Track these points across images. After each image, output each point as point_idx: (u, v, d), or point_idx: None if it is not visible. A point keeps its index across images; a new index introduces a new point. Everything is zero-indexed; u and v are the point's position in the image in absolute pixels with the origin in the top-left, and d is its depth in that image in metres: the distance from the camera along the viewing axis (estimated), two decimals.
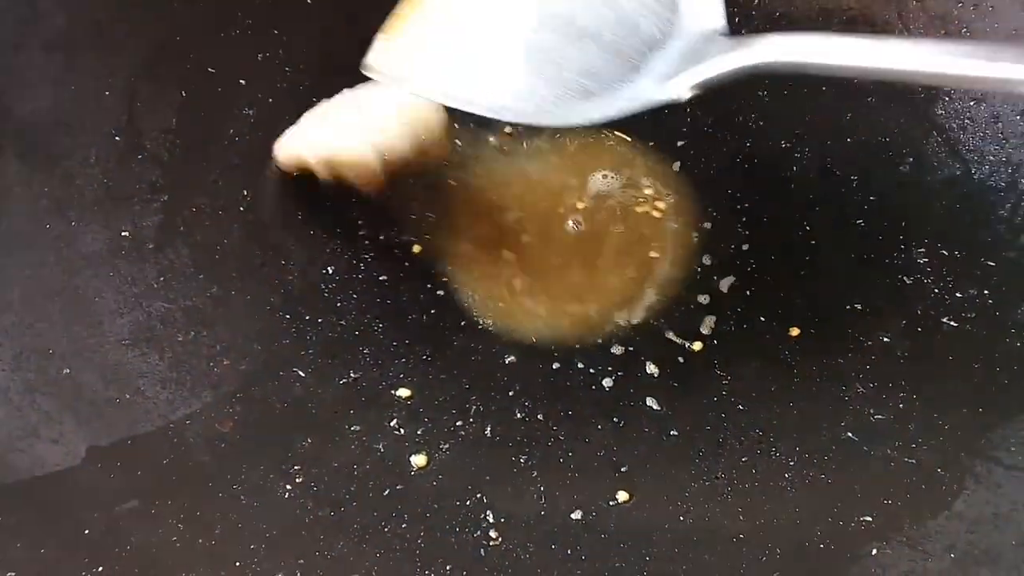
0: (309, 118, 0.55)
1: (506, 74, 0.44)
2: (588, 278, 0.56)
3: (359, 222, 0.55)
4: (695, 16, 0.44)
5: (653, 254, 0.56)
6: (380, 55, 0.46)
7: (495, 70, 0.45)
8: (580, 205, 0.58)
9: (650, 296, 0.55)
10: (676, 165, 0.60)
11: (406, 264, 0.55)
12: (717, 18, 0.44)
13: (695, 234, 0.57)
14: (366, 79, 0.57)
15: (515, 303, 0.54)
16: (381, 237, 0.55)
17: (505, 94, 0.44)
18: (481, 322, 0.53)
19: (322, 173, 0.53)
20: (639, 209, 0.58)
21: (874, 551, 0.42)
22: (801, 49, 0.41)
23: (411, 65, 0.46)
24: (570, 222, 0.57)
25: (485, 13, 0.46)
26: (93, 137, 0.51)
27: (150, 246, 0.49)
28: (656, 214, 0.58)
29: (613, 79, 0.44)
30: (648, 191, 0.59)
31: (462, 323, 0.53)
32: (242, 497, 0.42)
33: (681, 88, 0.42)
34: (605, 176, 0.59)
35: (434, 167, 0.56)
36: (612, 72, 0.44)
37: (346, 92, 0.55)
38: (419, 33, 0.46)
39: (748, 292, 0.54)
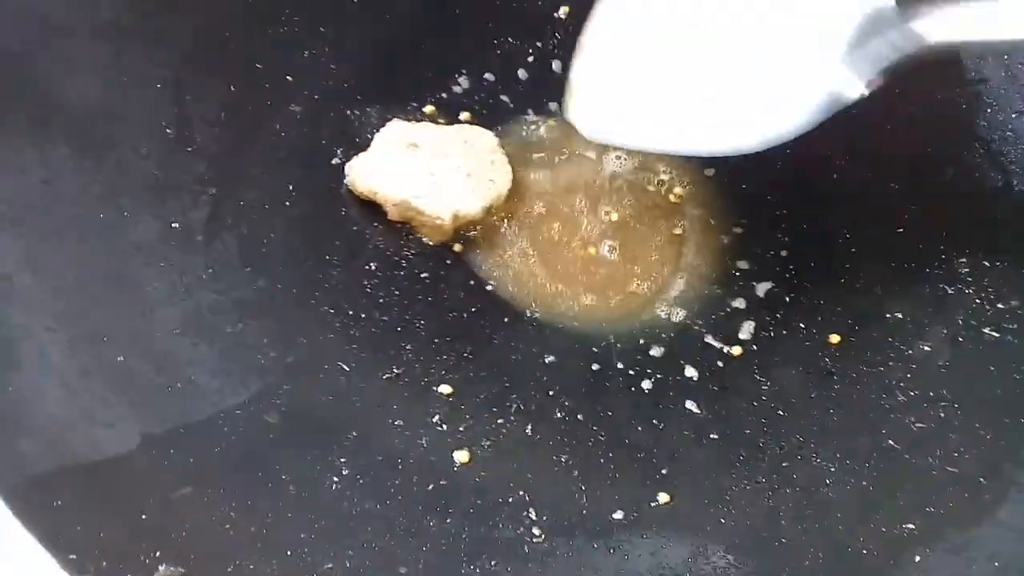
0: (385, 149, 0.56)
1: (706, 109, 0.45)
2: (625, 267, 0.56)
3: (400, 223, 0.56)
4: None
5: (699, 250, 0.57)
6: (583, 116, 0.48)
7: (695, 108, 0.45)
8: (612, 199, 0.58)
9: (687, 289, 0.55)
10: (710, 171, 0.60)
11: (447, 262, 0.55)
12: None
13: (727, 238, 0.57)
14: (409, 78, 0.59)
15: (552, 295, 0.55)
16: (421, 235, 0.56)
17: (708, 128, 0.45)
18: (523, 318, 0.54)
19: (392, 212, 0.55)
20: (672, 204, 0.58)
21: (918, 558, 0.42)
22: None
23: (618, 121, 0.47)
24: (602, 215, 0.58)
25: (671, 50, 0.46)
26: (143, 127, 0.51)
27: (199, 237, 0.49)
28: (696, 215, 0.58)
29: (802, 89, 0.43)
30: (679, 191, 0.59)
31: (503, 321, 0.54)
32: (291, 487, 0.42)
33: (870, 82, 0.42)
34: (636, 173, 0.59)
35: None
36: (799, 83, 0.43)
37: (427, 128, 0.57)
38: (617, 84, 0.47)
39: (788, 298, 0.54)
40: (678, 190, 0.59)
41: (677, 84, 0.46)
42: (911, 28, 0.41)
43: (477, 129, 0.59)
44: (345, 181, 0.55)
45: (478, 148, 0.57)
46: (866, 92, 0.43)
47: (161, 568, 0.35)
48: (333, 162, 0.56)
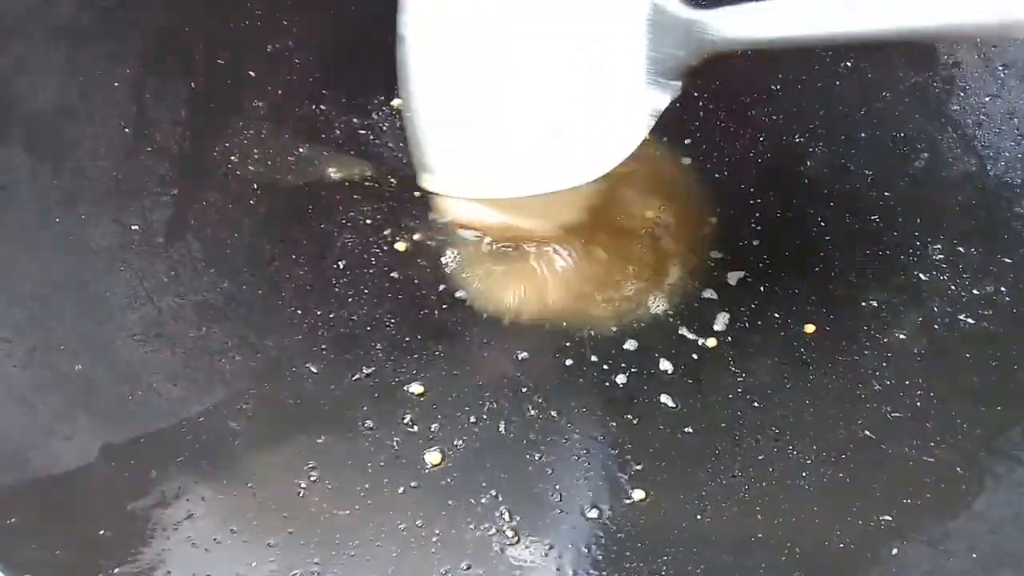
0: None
1: (536, 151, 0.46)
2: (600, 267, 0.55)
3: (368, 221, 0.55)
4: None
5: (663, 244, 0.56)
6: (431, 179, 0.49)
7: (526, 152, 0.46)
8: (587, 197, 0.58)
9: (661, 288, 0.54)
10: (687, 160, 0.59)
11: (417, 260, 0.54)
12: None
13: (704, 229, 0.57)
14: (375, 71, 0.58)
15: (527, 294, 0.54)
16: (390, 232, 0.55)
17: (543, 169, 0.46)
18: (493, 317, 0.53)
19: (499, 237, 0.55)
20: (648, 202, 0.58)
21: (895, 551, 0.42)
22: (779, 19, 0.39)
23: (462, 180, 0.48)
24: (578, 213, 0.57)
25: (494, 101, 0.46)
26: (102, 129, 0.50)
27: (160, 240, 0.48)
28: (664, 208, 0.57)
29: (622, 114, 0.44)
30: (651, 181, 0.58)
31: (473, 319, 0.53)
32: (257, 495, 0.41)
33: (676, 86, 0.43)
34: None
35: None
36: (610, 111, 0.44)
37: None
38: (452, 146, 0.48)
39: (762, 289, 0.54)
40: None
41: (504, 132, 0.47)
42: (698, 30, 0.41)
43: None
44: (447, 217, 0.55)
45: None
46: (677, 94, 0.43)
47: None
48: (299, 155, 0.55)
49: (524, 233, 0.54)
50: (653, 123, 0.43)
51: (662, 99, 0.43)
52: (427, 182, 0.49)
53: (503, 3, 0.46)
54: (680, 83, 0.43)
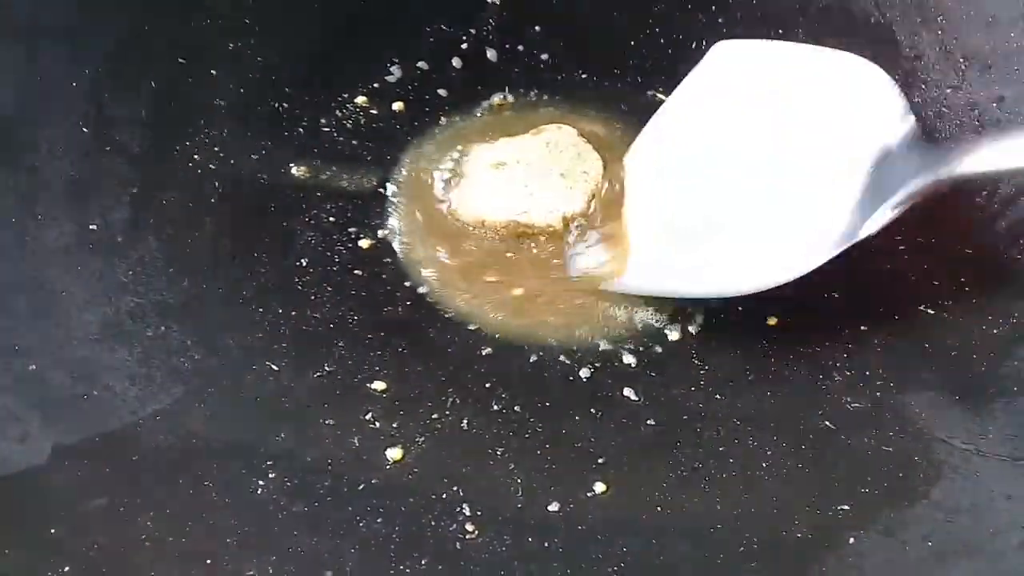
0: (477, 175, 0.57)
1: (733, 250, 0.49)
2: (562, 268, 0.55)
3: (331, 219, 0.55)
4: (881, 132, 0.47)
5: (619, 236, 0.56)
6: (634, 278, 0.52)
7: (725, 250, 0.50)
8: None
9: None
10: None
11: (380, 258, 0.54)
12: (904, 126, 0.47)
13: None
14: (339, 68, 0.58)
15: (490, 293, 0.54)
16: (354, 230, 0.55)
17: (734, 270, 0.49)
18: (459, 314, 0.53)
19: (503, 233, 0.56)
20: (611, 192, 0.58)
21: (851, 540, 0.42)
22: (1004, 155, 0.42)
23: (669, 277, 0.51)
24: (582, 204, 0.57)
25: (702, 193, 0.51)
26: (60, 129, 0.50)
27: (119, 239, 0.48)
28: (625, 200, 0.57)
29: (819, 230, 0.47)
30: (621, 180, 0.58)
31: (437, 315, 0.53)
32: (214, 494, 0.41)
33: (884, 218, 0.46)
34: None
35: None
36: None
37: (508, 143, 0.58)
38: (659, 246, 0.52)
39: None
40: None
41: (709, 229, 0.50)
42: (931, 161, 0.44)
43: (553, 128, 0.59)
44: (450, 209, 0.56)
45: (562, 145, 0.58)
46: (889, 220, 0.46)
47: None
48: (262, 153, 0.55)
49: (528, 229, 0.55)
50: (842, 247, 0.47)
51: (864, 228, 0.46)
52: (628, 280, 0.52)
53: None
54: (898, 211, 0.45)
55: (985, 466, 0.44)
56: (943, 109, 0.57)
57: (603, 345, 0.52)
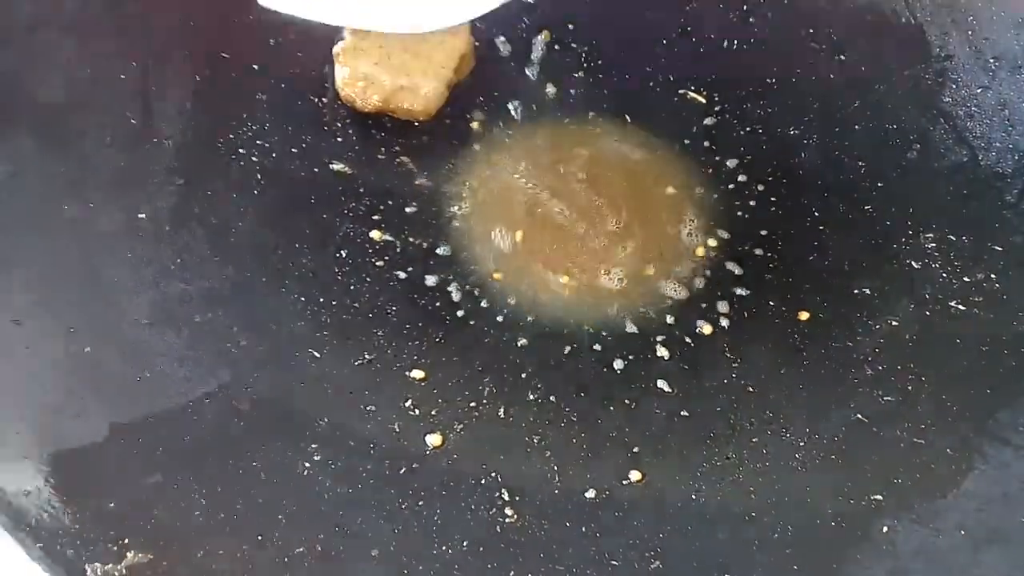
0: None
1: None
2: (596, 251, 0.56)
3: (369, 211, 0.56)
4: None
5: (669, 228, 0.57)
6: None
7: None
8: (583, 180, 0.58)
9: (657, 278, 0.55)
10: (685, 151, 0.60)
11: (417, 246, 0.55)
12: None
13: (701, 218, 0.58)
14: None
15: (526, 281, 0.55)
16: (389, 222, 0.56)
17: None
18: (495, 305, 0.54)
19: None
20: (645, 188, 0.58)
21: (885, 528, 0.43)
22: None
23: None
24: (578, 196, 0.58)
25: None
26: (109, 119, 0.51)
27: (166, 228, 0.49)
28: (667, 192, 0.58)
29: None
30: (651, 171, 0.59)
31: (474, 306, 0.54)
32: (262, 474, 0.42)
33: None
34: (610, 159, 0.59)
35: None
36: None
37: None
38: None
39: (757, 278, 0.55)
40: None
41: None
42: None
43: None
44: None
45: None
46: None
47: (129, 555, 0.36)
48: (302, 146, 0.56)
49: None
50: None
51: None
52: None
53: None
54: None
55: (1016, 457, 0.45)
56: (974, 109, 0.58)
57: (637, 338, 0.53)
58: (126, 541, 0.36)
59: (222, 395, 0.44)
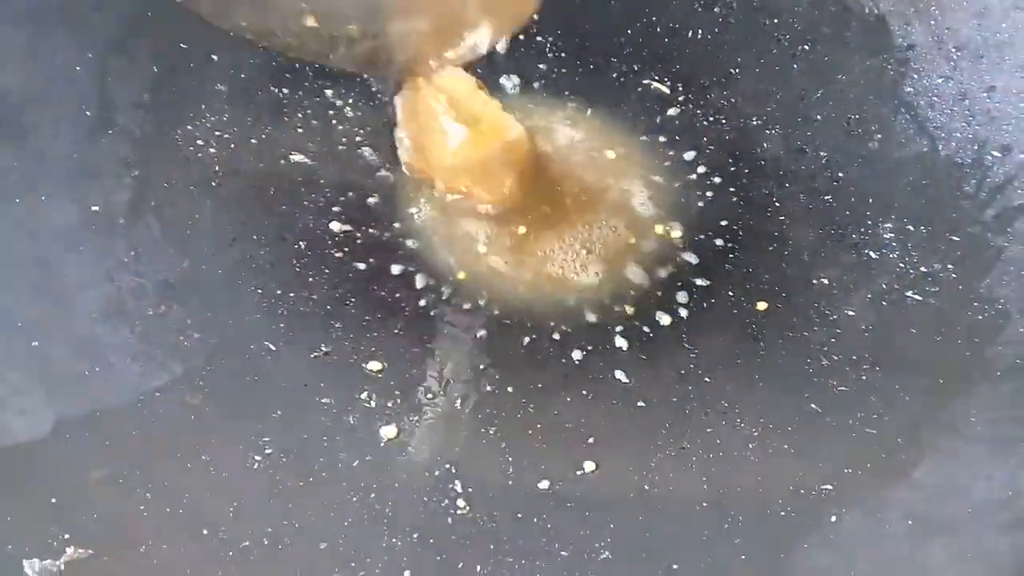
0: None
1: None
2: (558, 242, 0.56)
3: (329, 202, 0.55)
4: None
5: (629, 219, 0.57)
6: None
7: None
8: (545, 171, 0.58)
9: (616, 268, 0.55)
10: (647, 140, 0.60)
11: (382, 238, 0.55)
12: None
13: (661, 208, 0.58)
14: None
15: (487, 272, 0.55)
16: (350, 213, 0.56)
17: None
18: (454, 297, 0.54)
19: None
20: (607, 179, 0.58)
21: (833, 518, 0.43)
22: None
23: None
24: (540, 188, 0.58)
25: None
26: (63, 112, 0.51)
27: (121, 221, 0.49)
28: (628, 183, 0.58)
29: None
30: (612, 161, 0.59)
31: (435, 297, 0.54)
32: (211, 468, 0.42)
33: None
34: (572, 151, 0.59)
35: None
36: None
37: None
38: None
39: (717, 267, 0.55)
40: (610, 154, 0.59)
41: None
42: None
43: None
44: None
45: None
46: None
47: (68, 551, 0.36)
48: (261, 138, 0.56)
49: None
50: None
51: None
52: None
53: None
54: None
55: (967, 448, 0.45)
56: (934, 99, 0.58)
57: (596, 329, 0.53)
58: (66, 536, 0.36)
59: (174, 390, 0.44)
